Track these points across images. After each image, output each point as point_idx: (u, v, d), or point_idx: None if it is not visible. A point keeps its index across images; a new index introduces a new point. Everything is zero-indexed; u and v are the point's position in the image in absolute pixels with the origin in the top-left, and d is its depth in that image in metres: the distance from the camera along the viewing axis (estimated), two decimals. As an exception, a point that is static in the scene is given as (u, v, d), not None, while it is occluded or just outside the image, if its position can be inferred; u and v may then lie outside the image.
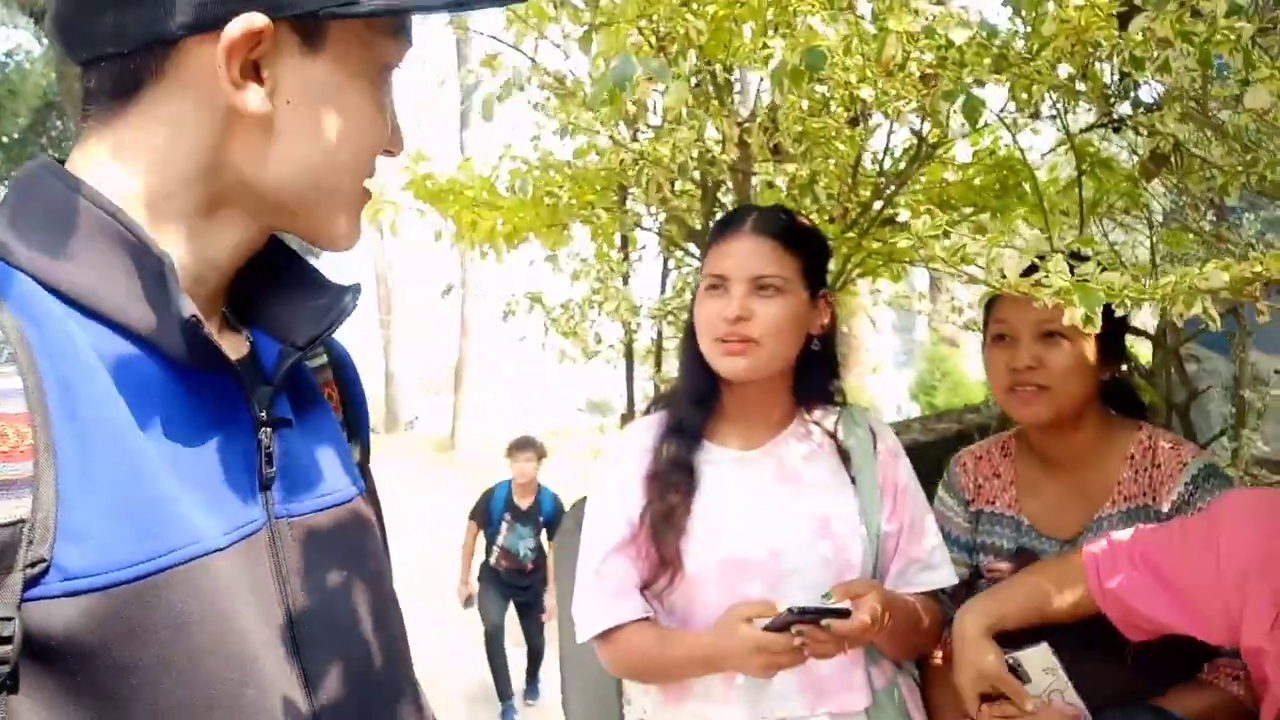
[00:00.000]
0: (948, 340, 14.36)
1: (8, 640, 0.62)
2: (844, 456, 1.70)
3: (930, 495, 1.86)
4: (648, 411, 1.84)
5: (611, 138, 2.19)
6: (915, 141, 2.25)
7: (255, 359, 0.83)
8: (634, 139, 2.46)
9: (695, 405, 1.68)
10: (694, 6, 2.02)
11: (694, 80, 2.36)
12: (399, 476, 12.20)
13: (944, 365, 14.29)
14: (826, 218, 2.30)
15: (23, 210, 0.73)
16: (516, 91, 2.08)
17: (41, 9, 13.90)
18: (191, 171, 0.75)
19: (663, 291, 2.99)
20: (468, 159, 2.61)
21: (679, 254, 2.84)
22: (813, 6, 1.58)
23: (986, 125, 2.38)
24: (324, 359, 0.97)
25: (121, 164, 0.74)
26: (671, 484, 1.63)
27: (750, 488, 1.66)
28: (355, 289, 0.85)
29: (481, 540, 6.21)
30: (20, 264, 0.70)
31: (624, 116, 2.25)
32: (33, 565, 0.63)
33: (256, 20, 0.70)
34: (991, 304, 1.78)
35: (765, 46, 1.70)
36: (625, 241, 2.91)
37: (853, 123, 2.03)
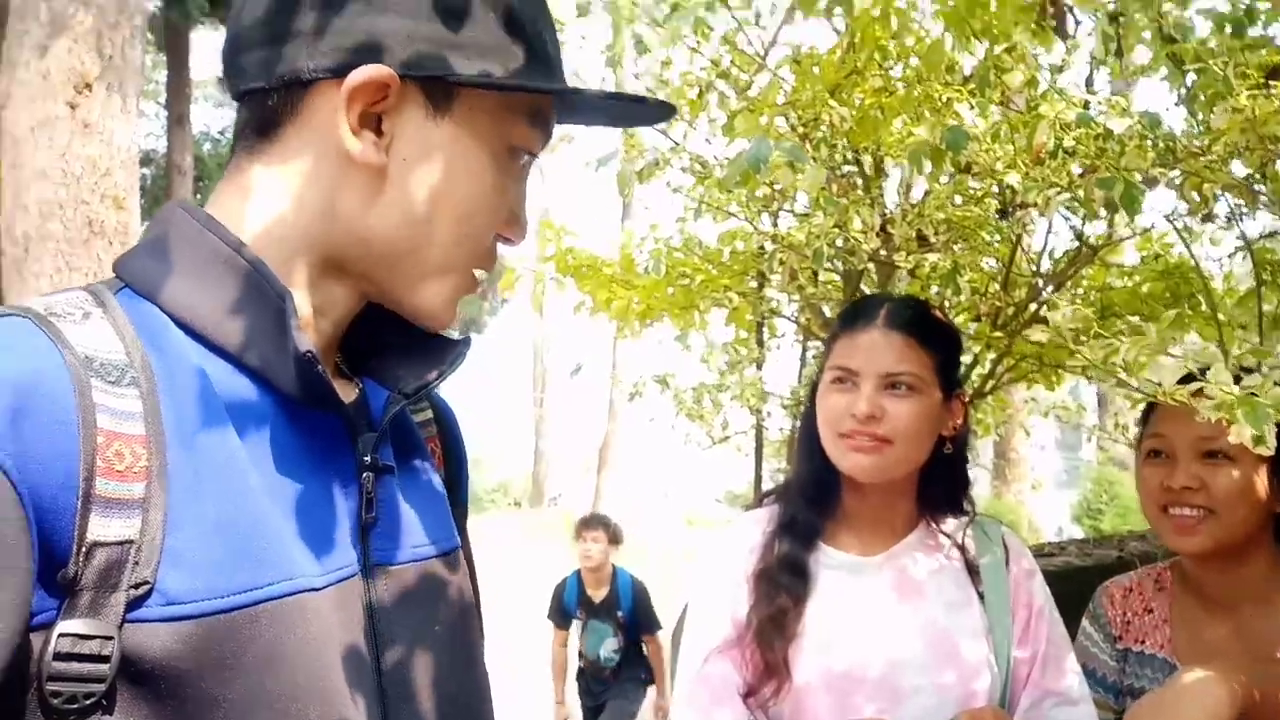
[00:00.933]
0: (1117, 462, 13.50)
1: (105, 660, 0.62)
2: (972, 571, 1.55)
3: (1076, 626, 1.68)
4: (758, 505, 1.74)
5: (749, 220, 2.15)
6: (1076, 241, 2.11)
7: (364, 406, 0.83)
8: (774, 224, 2.41)
9: (811, 503, 1.58)
10: (841, 95, 1.98)
11: (841, 170, 2.31)
12: (537, 552, 12.28)
13: (1112, 488, 13.42)
14: (972, 315, 2.18)
15: (157, 244, 0.76)
16: (658, 172, 2.07)
17: (255, 91, 15.29)
18: (308, 216, 0.76)
19: (799, 381, 2.89)
20: (627, 235, 2.62)
21: (816, 344, 2.76)
22: (961, 94, 1.51)
23: (1154, 228, 2.22)
24: (429, 414, 0.96)
25: (251, 201, 0.76)
26: (782, 585, 1.52)
27: (867, 597, 1.53)
28: (465, 342, 0.84)
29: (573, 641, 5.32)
30: (149, 295, 0.73)
31: (763, 201, 2.21)
32: (136, 587, 0.64)
33: (379, 72, 0.72)
34: (1148, 415, 1.62)
35: (911, 135, 1.63)
36: (761, 327, 2.84)
37: (1002, 213, 1.91)
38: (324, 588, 0.73)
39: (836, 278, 2.55)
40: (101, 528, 0.63)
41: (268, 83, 0.75)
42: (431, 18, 0.74)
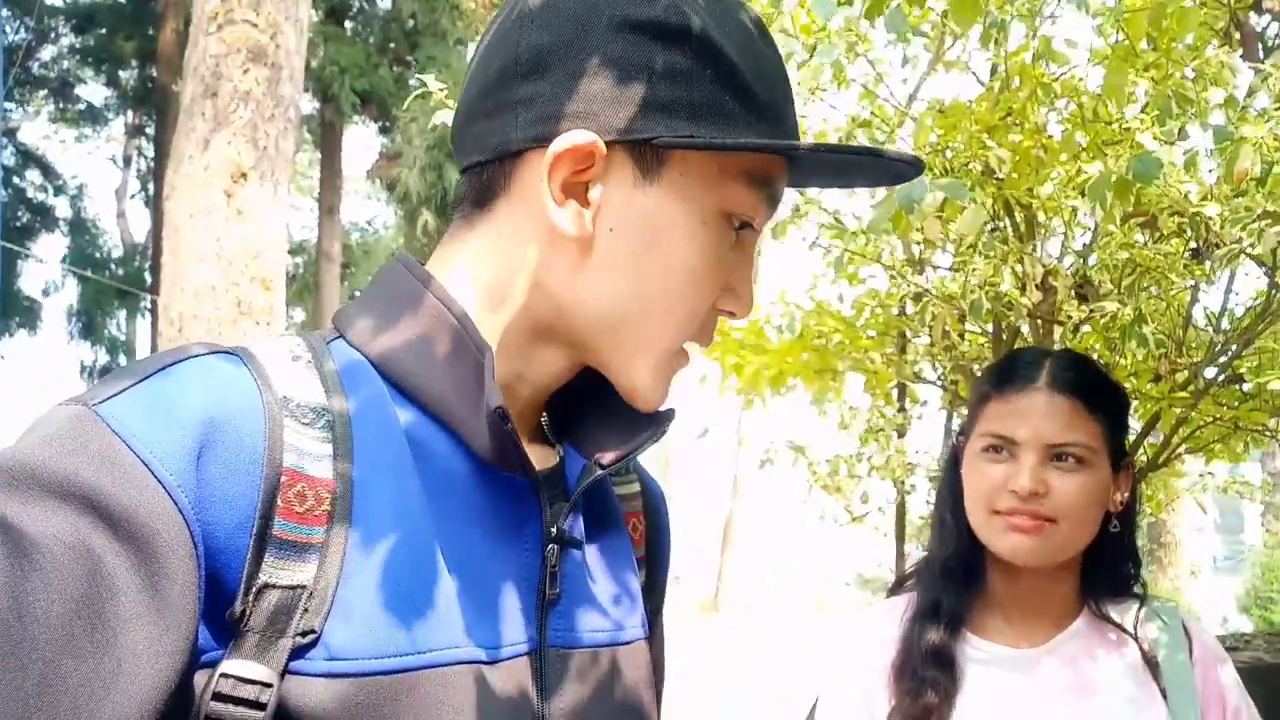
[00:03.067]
0: (1284, 545, 12.44)
1: (262, 707, 0.61)
2: (1151, 665, 1.34)
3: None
4: (894, 591, 1.56)
5: (895, 270, 2.01)
6: (1265, 293, 1.89)
7: (561, 473, 0.80)
8: (916, 280, 2.26)
9: (956, 587, 1.40)
10: (997, 136, 1.85)
11: (990, 225, 2.16)
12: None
13: (1281, 573, 12.37)
14: (1150, 375, 1.95)
15: (374, 295, 0.77)
16: (793, 226, 1.97)
17: (393, 182, 16.15)
18: (516, 286, 0.74)
19: (943, 451, 2.68)
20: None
21: (963, 410, 2.56)
22: (1143, 122, 1.35)
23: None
24: (636, 487, 0.91)
25: (463, 266, 0.75)
26: (927, 681, 1.34)
27: (1028, 695, 1.34)
28: (669, 414, 0.79)
29: None
30: (357, 343, 0.73)
31: (908, 254, 2.07)
32: (303, 635, 0.62)
33: (580, 138, 0.69)
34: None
35: (1080, 173, 1.48)
36: (903, 393, 2.66)
37: (1195, 254, 1.70)
38: (493, 662, 0.69)
39: (985, 338, 2.37)
40: (275, 570, 0.63)
41: (484, 156, 0.74)
42: (639, 79, 0.70)
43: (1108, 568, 1.40)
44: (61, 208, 17.53)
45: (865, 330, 2.40)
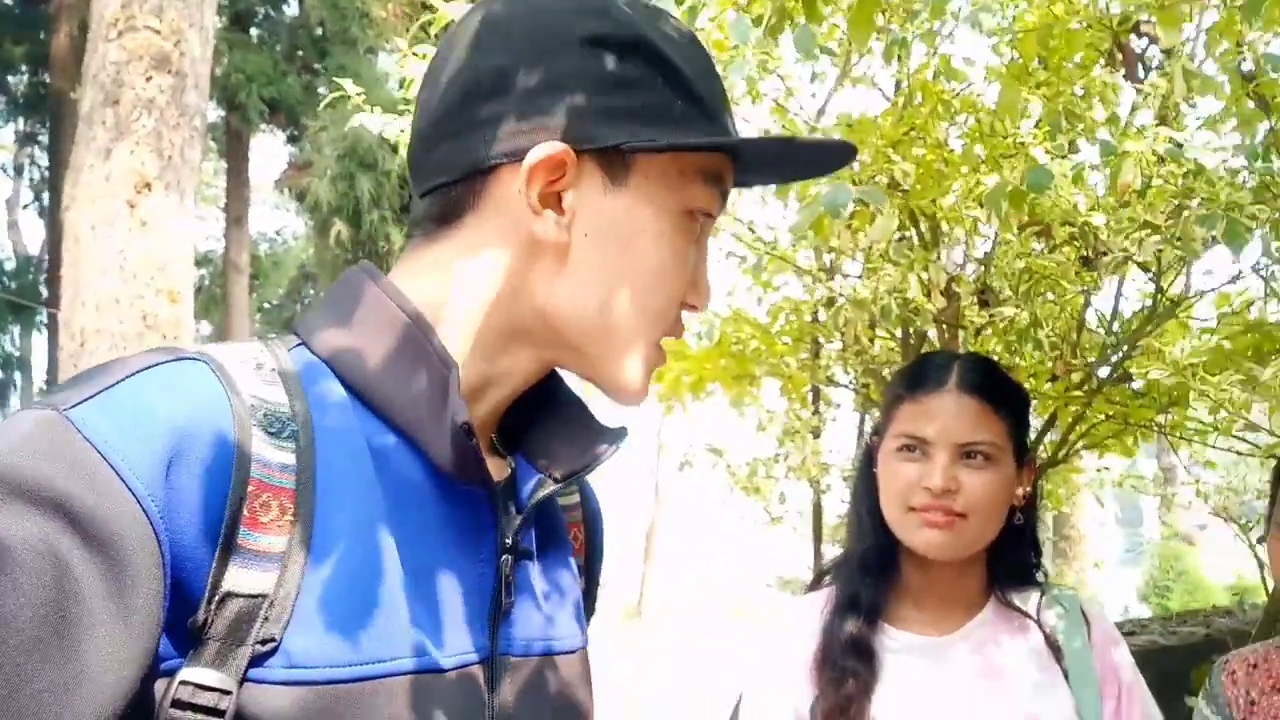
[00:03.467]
0: (1183, 537, 13.00)
1: (220, 714, 0.61)
2: (1052, 646, 1.42)
3: (1170, 709, 1.52)
4: (813, 587, 1.61)
5: (811, 275, 2.07)
6: (1151, 296, 2.01)
7: (513, 486, 0.80)
8: (829, 287, 2.33)
9: (873, 580, 1.45)
10: (901, 150, 1.93)
11: (898, 235, 2.24)
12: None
13: (1179, 564, 12.95)
14: (1047, 376, 2.06)
15: (335, 303, 0.77)
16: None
17: (303, 192, 15.81)
18: (492, 295, 0.75)
19: (858, 448, 2.77)
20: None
21: (876, 412, 2.65)
22: (1036, 136, 1.43)
23: (1237, 280, 2.11)
24: (575, 498, 0.93)
25: (431, 276, 0.76)
26: (848, 671, 1.39)
27: (942, 681, 1.40)
28: (623, 431, 0.81)
29: None
30: (320, 352, 0.74)
31: (819, 262, 2.14)
32: (262, 643, 0.62)
33: (554, 148, 0.71)
34: (1279, 477, 1.49)
35: (980, 184, 1.56)
36: (817, 396, 2.74)
37: (1085, 261, 1.81)
38: (449, 670, 0.70)
39: (893, 341, 2.46)
40: (238, 578, 0.63)
41: (451, 176, 0.75)
42: (600, 90, 0.73)
43: (1012, 558, 1.47)
44: (-52, 219, 16.69)
45: (781, 336, 2.47)
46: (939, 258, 2.19)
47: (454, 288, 0.76)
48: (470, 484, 0.74)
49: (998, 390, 1.44)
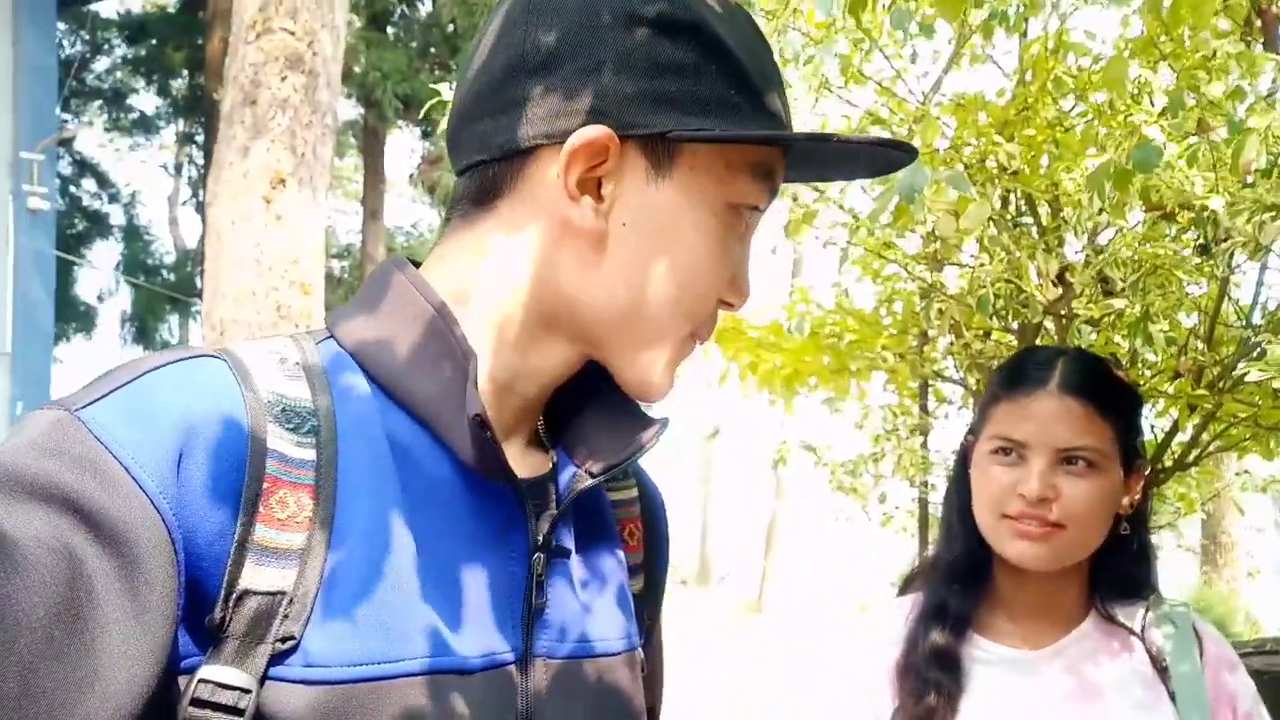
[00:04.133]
0: (1353, 547, 12.05)
1: (240, 713, 0.61)
2: (1158, 666, 1.31)
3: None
4: (903, 592, 1.53)
5: (903, 266, 1.98)
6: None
7: (553, 481, 0.78)
8: (933, 276, 2.23)
9: (963, 588, 1.37)
10: (1010, 132, 1.81)
11: (1014, 220, 2.12)
12: (704, 634, 12.03)
13: (1347, 577, 12.01)
14: (1170, 373, 1.90)
15: (366, 297, 0.76)
16: (806, 226, 1.95)
17: (434, 185, 16.31)
18: (525, 280, 0.74)
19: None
20: (780, 300, 2.49)
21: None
22: (1152, 115, 1.31)
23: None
24: (633, 492, 0.90)
25: (462, 262, 0.75)
26: (931, 682, 1.32)
27: (1033, 698, 1.31)
28: (664, 423, 0.79)
29: None
30: (346, 345, 0.73)
31: (925, 250, 2.04)
32: (282, 641, 0.62)
33: (597, 133, 0.69)
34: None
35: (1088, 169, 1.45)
36: (925, 391, 2.62)
37: (1203, 249, 1.66)
38: (475, 671, 0.69)
39: (1010, 337, 2.32)
40: (255, 575, 0.62)
41: (489, 155, 0.73)
42: (650, 75, 0.71)
43: (1117, 570, 1.37)
44: (116, 215, 17.94)
45: (885, 329, 2.37)
46: (1058, 242, 2.06)
47: (485, 274, 0.74)
48: (493, 478, 0.72)
49: (1104, 391, 1.33)
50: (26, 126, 10.70)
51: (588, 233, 0.72)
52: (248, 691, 0.61)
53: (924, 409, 2.60)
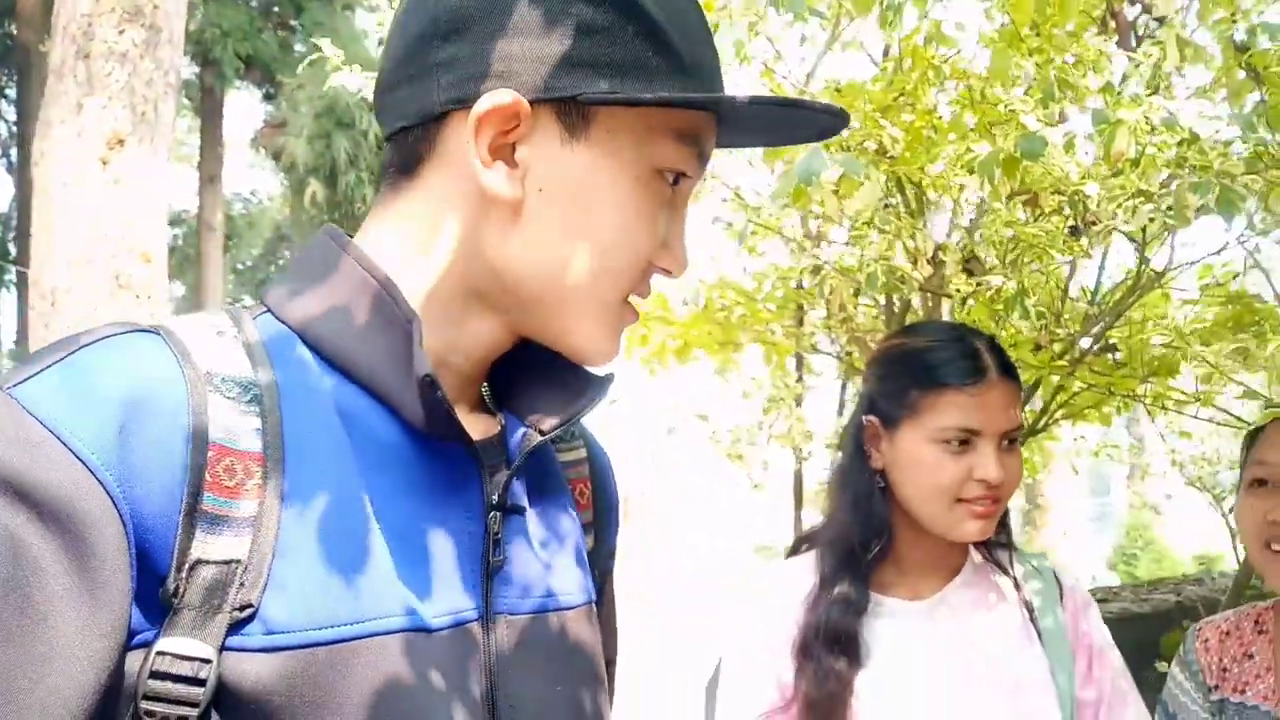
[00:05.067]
0: (1150, 506, 13.24)
1: (201, 683, 0.60)
2: (1028, 609, 1.43)
3: (1142, 675, 1.55)
4: (794, 553, 1.60)
5: (796, 242, 2.06)
6: (1136, 267, 2.01)
7: (503, 442, 0.78)
8: (816, 254, 2.32)
9: (864, 551, 1.42)
10: (890, 116, 1.91)
11: (885, 202, 2.23)
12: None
13: (1145, 533, 13.23)
14: (1030, 346, 2.07)
15: (300, 269, 0.75)
16: (692, 202, 1.99)
17: (279, 151, 15.58)
18: (448, 253, 0.73)
19: (840, 416, 2.77)
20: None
21: (857, 380, 2.65)
22: (1027, 103, 1.42)
23: (1224, 249, 2.12)
24: (581, 452, 0.91)
25: (392, 235, 0.74)
26: (836, 640, 1.39)
27: (926, 644, 1.41)
28: (609, 379, 0.79)
29: None
30: (284, 317, 0.72)
31: (806, 229, 2.13)
32: (240, 609, 0.61)
33: (503, 97, 0.68)
34: (1251, 442, 1.50)
35: (969, 151, 1.55)
36: (800, 363, 2.74)
37: (1074, 230, 1.80)
38: (437, 630, 0.68)
39: (879, 310, 2.45)
40: (206, 545, 0.62)
41: (407, 121, 0.72)
42: (561, 37, 0.69)
43: None
44: (-87, 173, 16.34)
45: (766, 303, 2.46)
46: (925, 225, 2.19)
47: (413, 245, 0.73)
48: (446, 440, 0.72)
49: (1015, 370, 1.44)
50: None
51: (506, 201, 0.70)
52: (207, 661, 0.60)
53: (799, 380, 2.71)
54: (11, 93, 15.77)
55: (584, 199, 0.71)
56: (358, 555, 0.66)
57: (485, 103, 0.68)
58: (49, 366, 0.62)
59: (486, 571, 0.73)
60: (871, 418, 1.45)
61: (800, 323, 2.55)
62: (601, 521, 0.91)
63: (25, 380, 0.61)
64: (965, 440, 1.36)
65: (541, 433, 0.76)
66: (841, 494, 1.50)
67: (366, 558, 0.66)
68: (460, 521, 0.73)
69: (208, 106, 15.17)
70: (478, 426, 0.77)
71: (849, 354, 2.56)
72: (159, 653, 0.60)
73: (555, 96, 0.69)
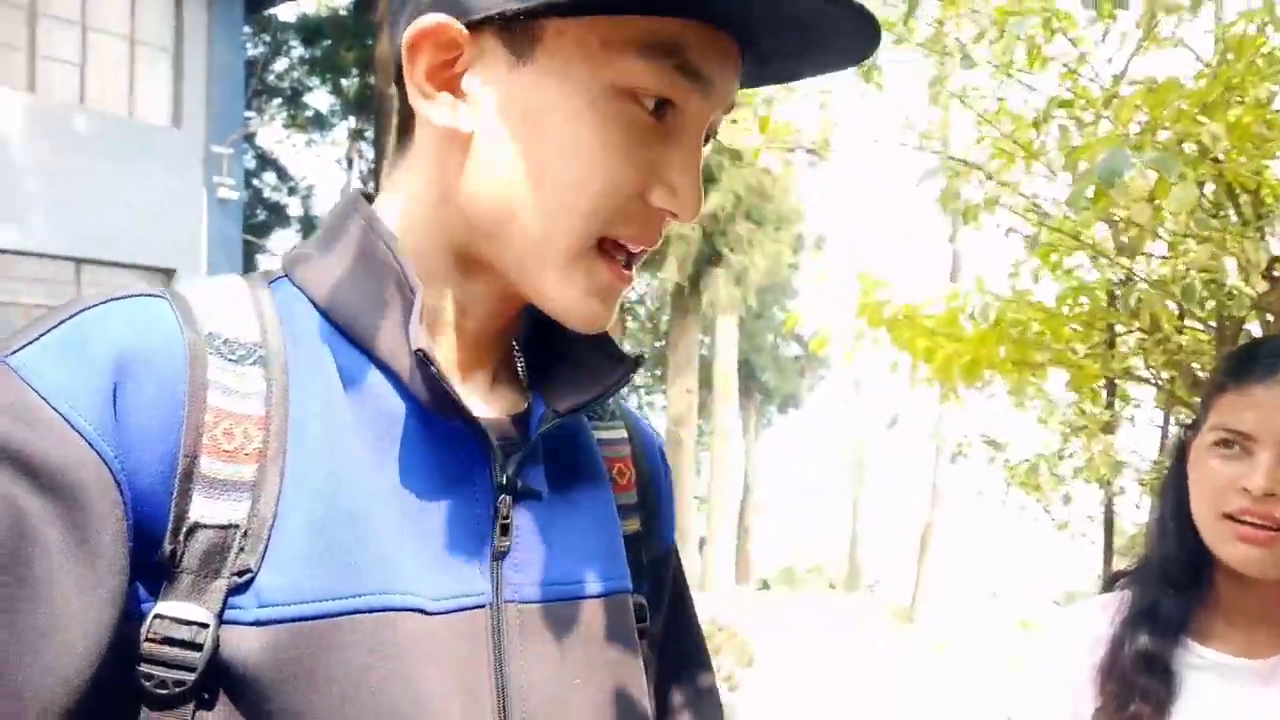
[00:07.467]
0: None
1: (198, 648, 0.59)
2: None
3: None
4: (1107, 588, 1.46)
5: (1104, 253, 1.88)
6: None
7: (525, 422, 0.75)
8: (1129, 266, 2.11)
9: (1177, 591, 1.29)
10: (1212, 113, 1.70)
11: (1211, 211, 1.99)
12: (853, 640, 11.83)
13: None
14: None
15: (322, 237, 0.73)
16: (985, 211, 1.88)
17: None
18: (430, 204, 0.70)
19: (1161, 454, 2.48)
20: (953, 290, 2.41)
21: (1183, 412, 2.36)
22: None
23: None
24: (622, 433, 0.85)
25: (394, 195, 0.72)
26: (1137, 687, 1.25)
27: (1253, 711, 1.23)
28: (635, 360, 0.75)
29: None
30: (300, 283, 0.71)
31: (1116, 241, 1.94)
32: (240, 574, 0.60)
33: (430, 21, 0.64)
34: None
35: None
36: (1112, 389, 2.49)
37: None
38: (436, 613, 0.65)
39: (1205, 333, 2.18)
40: (204, 508, 0.61)
41: (395, 74, 0.70)
42: None
43: None
44: (294, 206, 19.16)
45: (1069, 322, 2.27)
46: (1261, 235, 1.92)
47: (408, 203, 0.71)
48: (448, 417, 0.68)
49: None
50: (217, 123, 11.57)
51: (459, 136, 0.66)
52: (205, 626, 0.59)
53: (1109, 408, 2.47)
54: (370, 135, 18.03)
55: (533, 126, 0.65)
56: (355, 528, 0.63)
57: (412, 30, 0.65)
58: (46, 332, 0.61)
59: (494, 556, 0.69)
60: (1189, 432, 1.33)
61: (1111, 345, 2.32)
62: (648, 505, 0.85)
63: (22, 348, 0.60)
64: (1233, 444, 1.23)
65: (557, 413, 0.73)
66: (1157, 519, 1.38)
67: (364, 531, 0.64)
68: (467, 504, 0.69)
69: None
70: (504, 403, 0.74)
71: (1169, 381, 2.29)
72: (157, 615, 0.60)
73: (484, 16, 0.64)
